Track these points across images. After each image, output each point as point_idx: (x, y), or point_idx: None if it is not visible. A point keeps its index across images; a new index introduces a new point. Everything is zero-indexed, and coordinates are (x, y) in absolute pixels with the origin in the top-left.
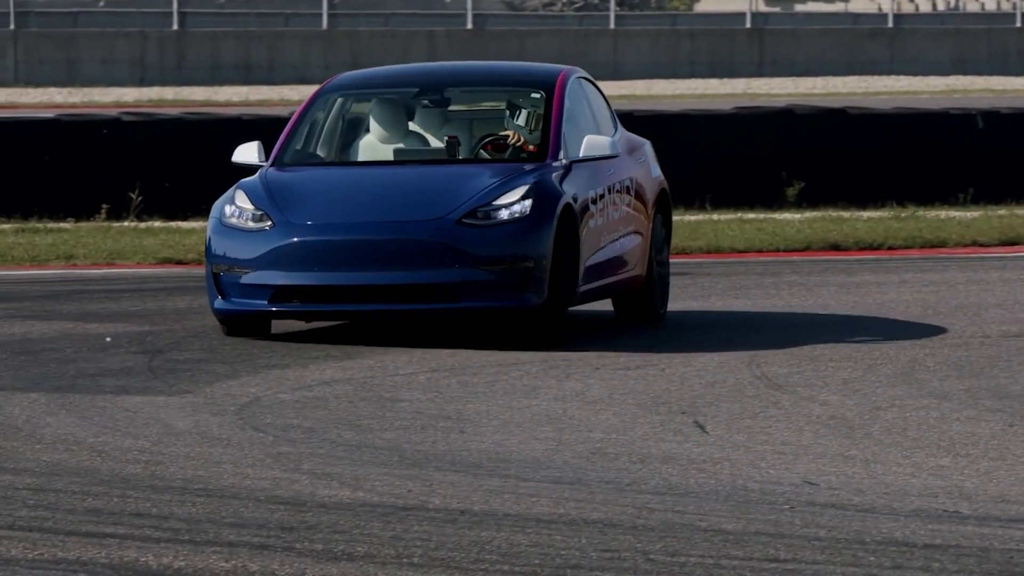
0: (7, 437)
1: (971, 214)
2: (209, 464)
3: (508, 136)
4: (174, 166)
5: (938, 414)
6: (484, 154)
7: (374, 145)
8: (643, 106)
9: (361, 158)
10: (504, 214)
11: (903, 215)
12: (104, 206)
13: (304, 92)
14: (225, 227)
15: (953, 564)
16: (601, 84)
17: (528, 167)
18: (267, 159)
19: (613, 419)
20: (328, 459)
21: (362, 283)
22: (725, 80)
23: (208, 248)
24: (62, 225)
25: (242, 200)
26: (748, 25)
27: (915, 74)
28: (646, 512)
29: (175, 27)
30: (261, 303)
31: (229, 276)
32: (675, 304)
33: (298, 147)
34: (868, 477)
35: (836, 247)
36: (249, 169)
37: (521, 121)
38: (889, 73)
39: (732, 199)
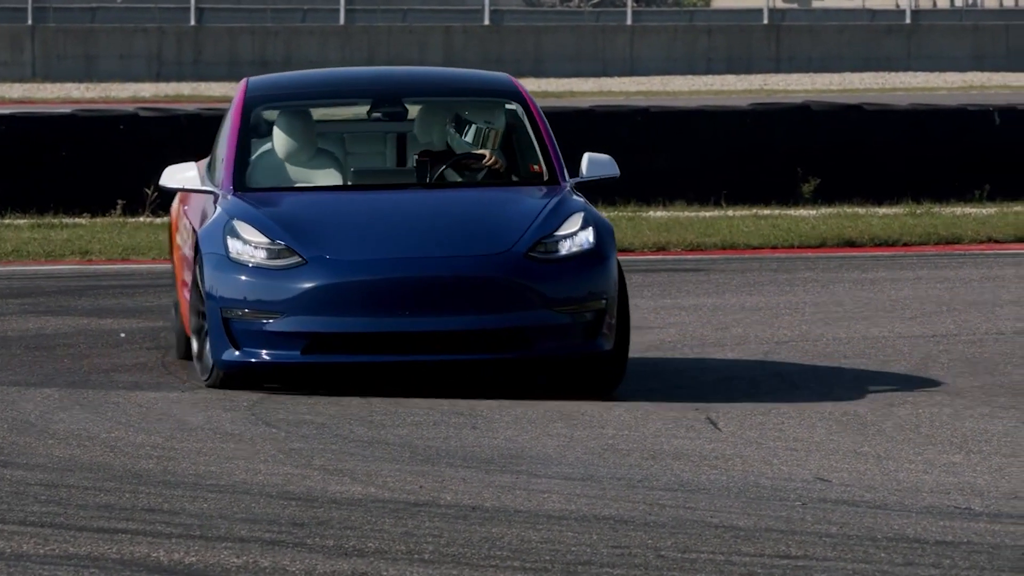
0: (20, 432)
1: (987, 211)
2: (221, 460)
3: (483, 156)
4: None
5: (951, 411)
6: (455, 175)
7: (328, 167)
8: (659, 102)
9: (322, 181)
10: (567, 246)
11: (919, 212)
12: (120, 201)
13: None
14: (235, 264)
15: (964, 561)
16: (618, 80)
17: (543, 190)
18: (209, 182)
19: (625, 415)
20: (340, 455)
21: (419, 330)
22: (742, 76)
23: (207, 289)
24: (78, 220)
25: (250, 232)
26: (765, 21)
27: (932, 70)
28: (657, 508)
29: (192, 22)
30: (292, 354)
31: (245, 323)
32: (690, 299)
33: (257, 168)
34: (880, 474)
35: (851, 244)
36: (170, 195)
37: (469, 138)
38: (906, 69)
39: (748, 195)
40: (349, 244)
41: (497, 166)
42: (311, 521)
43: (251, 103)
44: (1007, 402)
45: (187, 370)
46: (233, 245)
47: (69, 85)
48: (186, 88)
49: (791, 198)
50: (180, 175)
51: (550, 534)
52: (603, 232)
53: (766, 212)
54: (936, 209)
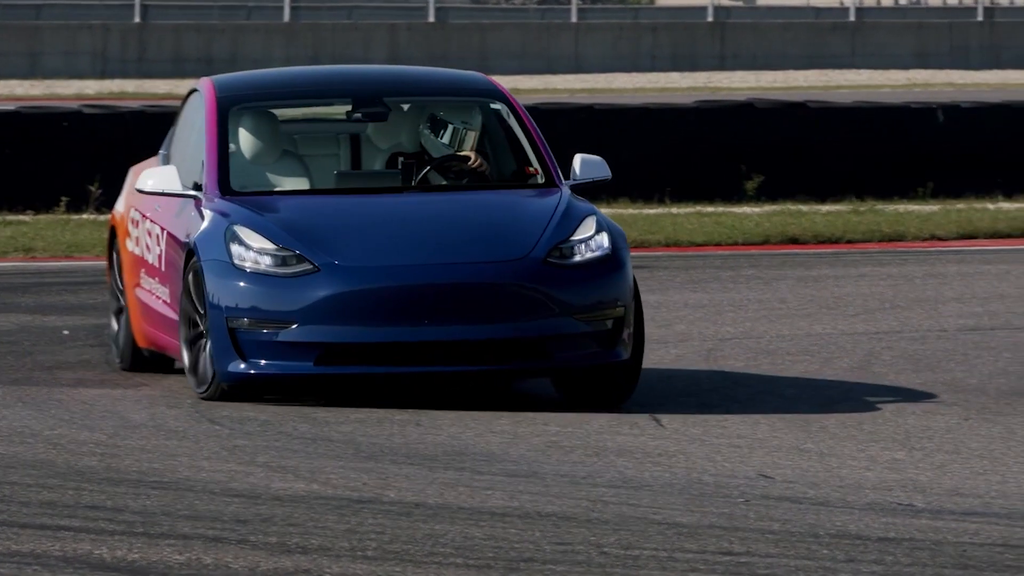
0: None
1: (930, 208)
2: (165, 457)
3: (468, 159)
4: (135, 159)
5: (894, 408)
6: (439, 178)
7: (316, 170)
8: (604, 100)
9: (292, 185)
10: (584, 251)
11: (862, 209)
12: (64, 198)
13: None
14: (240, 271)
15: (907, 557)
16: (563, 78)
17: (543, 193)
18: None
19: (568, 412)
20: (283, 452)
21: (438, 339)
22: (687, 74)
23: (209, 298)
24: (21, 217)
25: (254, 238)
26: (710, 19)
27: (876, 68)
28: (600, 505)
29: (137, 19)
30: (304, 365)
31: (252, 333)
32: None
33: (242, 171)
34: (823, 470)
35: (794, 241)
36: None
37: (446, 139)
38: (850, 67)
39: (692, 192)
40: (361, 250)
41: (482, 168)
42: (254, 518)
43: (226, 103)
44: (949, 399)
45: (135, 374)
46: (237, 251)
47: (13, 82)
48: (131, 85)
49: (735, 195)
50: (160, 178)
51: (493, 531)
52: (617, 237)
53: (710, 209)
54: (879, 206)
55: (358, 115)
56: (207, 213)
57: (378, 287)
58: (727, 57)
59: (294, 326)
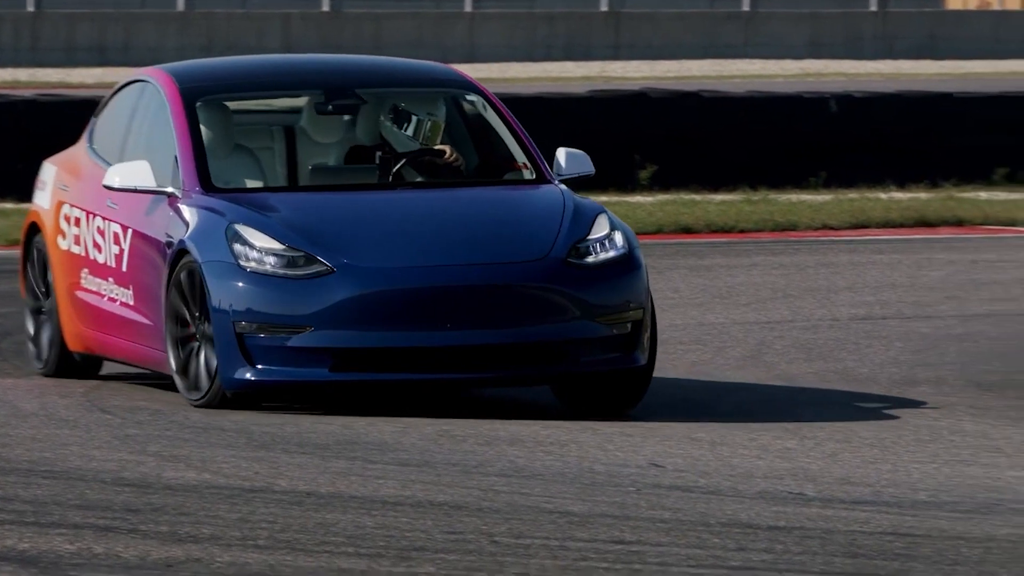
0: None
1: (822, 197)
2: (55, 446)
3: (443, 152)
4: (27, 147)
5: (785, 396)
6: (414, 173)
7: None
8: (497, 89)
9: (250, 180)
10: (601, 251)
11: (755, 198)
12: None
13: None
14: (247, 273)
15: (797, 546)
16: (457, 67)
17: (540, 189)
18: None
19: (460, 401)
20: (175, 441)
21: (460, 344)
22: (581, 63)
23: (213, 302)
24: None
25: (259, 238)
26: (605, 8)
27: (771, 58)
28: (492, 494)
29: (30, 8)
30: (319, 372)
31: (261, 338)
32: None
33: (221, 167)
34: (714, 459)
35: (687, 230)
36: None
37: (410, 131)
38: (744, 57)
39: (585, 182)
40: (375, 250)
41: (458, 163)
42: (145, 507)
43: (191, 95)
44: (841, 388)
45: (21, 356)
46: (240, 251)
47: None
48: (23, 74)
49: (628, 184)
50: (130, 175)
51: (385, 520)
52: (630, 236)
53: (603, 198)
54: (772, 196)
55: (329, 107)
56: (192, 211)
57: (399, 289)
58: (622, 47)
59: (308, 330)
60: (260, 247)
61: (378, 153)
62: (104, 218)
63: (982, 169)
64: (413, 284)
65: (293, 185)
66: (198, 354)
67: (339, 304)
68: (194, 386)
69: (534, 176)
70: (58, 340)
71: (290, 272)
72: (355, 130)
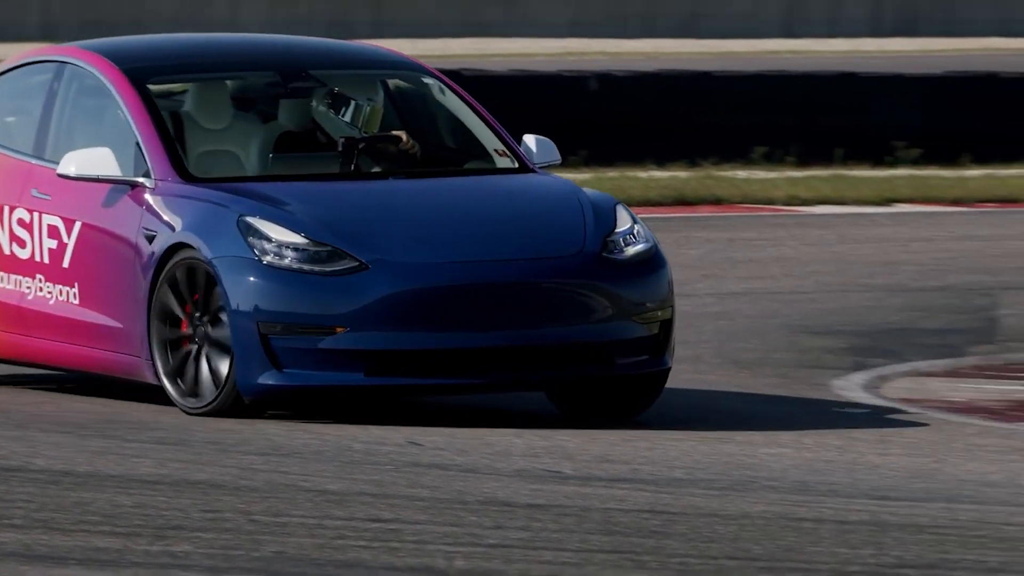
0: None
1: (582, 176)
2: None
3: (398, 138)
4: None
5: None
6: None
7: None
8: None
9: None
10: (628, 246)
11: None
12: None
13: None
14: (268, 268)
15: (554, 524)
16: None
17: (534, 178)
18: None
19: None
20: None
21: (505, 345)
22: (343, 41)
23: (228, 300)
24: None
25: (275, 231)
26: None
27: (532, 36)
28: (250, 472)
29: None
30: (354, 377)
31: (291, 339)
32: None
33: (194, 153)
34: (472, 437)
35: None
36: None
37: (348, 117)
38: (506, 35)
39: None
40: (408, 245)
41: (414, 151)
42: None
43: (138, 76)
44: None
45: None
46: (259, 246)
47: None
48: None
49: None
50: (90, 163)
51: (142, 498)
52: (647, 229)
53: None
54: None
55: (280, 90)
56: (179, 202)
57: (439, 286)
58: (384, 24)
59: (341, 331)
60: (278, 240)
61: (341, 139)
62: (30, 210)
63: (740, 148)
64: (453, 281)
65: (263, 174)
66: (197, 358)
67: (375, 303)
68: (191, 392)
69: (516, 165)
70: None
71: (317, 268)
72: (279, 116)
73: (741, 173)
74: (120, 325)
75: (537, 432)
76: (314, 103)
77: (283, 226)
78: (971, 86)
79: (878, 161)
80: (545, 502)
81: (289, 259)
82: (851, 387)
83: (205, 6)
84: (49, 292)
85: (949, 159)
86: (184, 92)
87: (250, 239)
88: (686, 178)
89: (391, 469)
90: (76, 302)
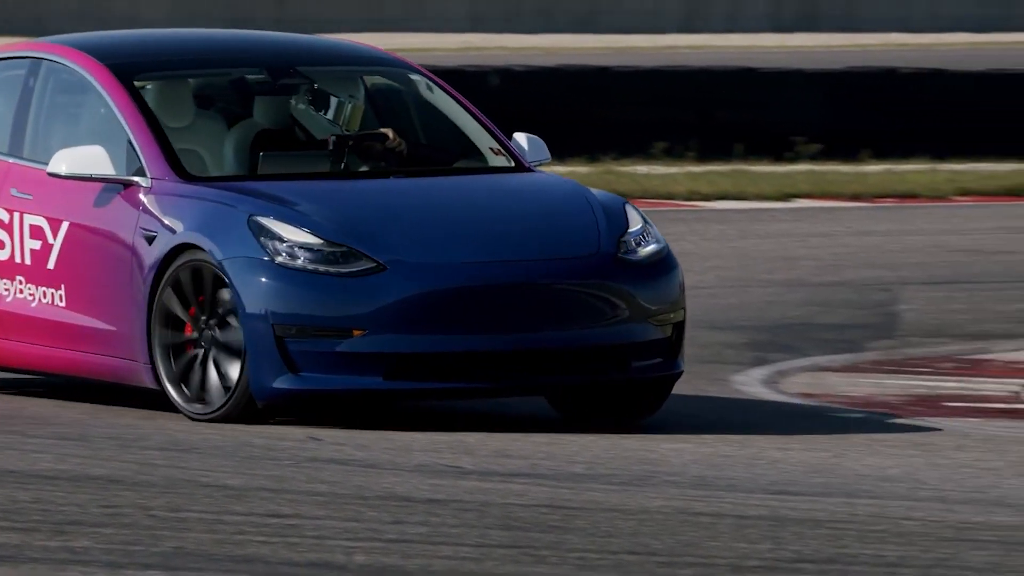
0: None
1: None
2: None
3: (385, 136)
4: None
5: None
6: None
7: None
8: None
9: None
10: (641, 246)
11: None
12: None
13: None
14: (283, 270)
15: (454, 519)
16: None
17: (535, 177)
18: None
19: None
20: None
21: (532, 348)
22: None
23: (242, 302)
24: None
25: (288, 231)
26: None
27: (433, 31)
28: (149, 468)
29: None
30: (372, 380)
31: (307, 342)
32: None
33: (186, 153)
34: (372, 433)
35: None
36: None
37: (331, 114)
38: (407, 30)
39: None
40: (424, 246)
41: (400, 148)
42: None
43: (124, 72)
44: None
45: None
46: (272, 247)
47: None
48: None
49: None
50: (81, 161)
51: (40, 494)
52: (657, 230)
53: None
54: None
55: (268, 88)
56: (180, 201)
57: (459, 288)
58: (285, 21)
59: (360, 334)
60: (291, 241)
61: (332, 137)
62: (9, 210)
63: (641, 143)
64: (474, 282)
65: (252, 173)
66: (204, 363)
67: (395, 305)
68: (198, 398)
69: (512, 163)
70: None
71: (332, 269)
72: (254, 114)
73: (641, 168)
74: (113, 328)
75: (438, 427)
76: (293, 101)
77: (296, 226)
78: (870, 82)
79: (778, 156)
80: (445, 497)
81: (302, 260)
82: (751, 382)
83: (107, 3)
84: (31, 294)
85: (848, 155)
86: (143, 88)
87: (263, 239)
88: (586, 173)
89: (291, 464)
90: (62, 304)
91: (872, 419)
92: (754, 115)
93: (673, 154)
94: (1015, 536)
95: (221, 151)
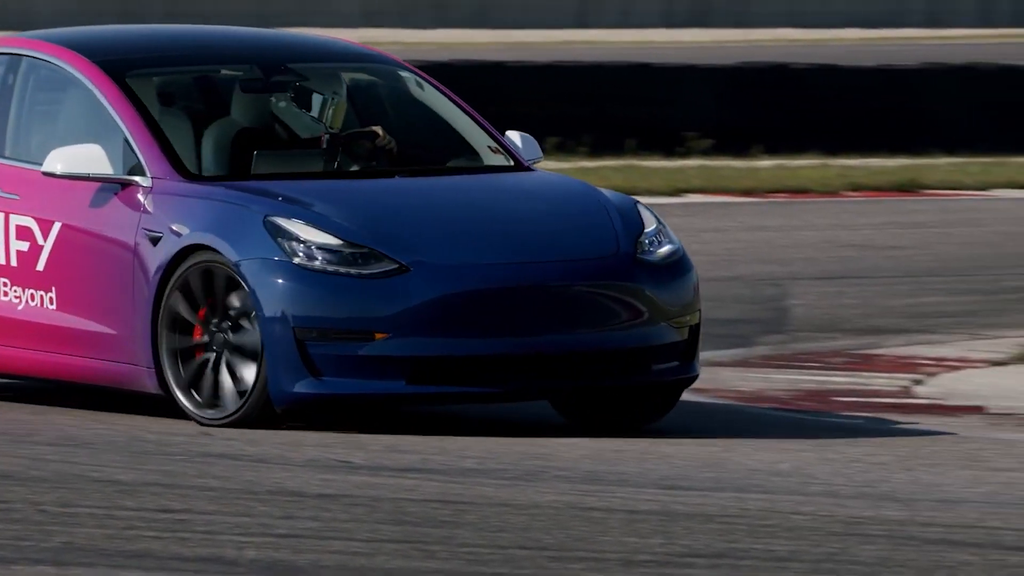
0: None
1: None
2: None
3: (375, 134)
4: None
5: None
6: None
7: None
8: None
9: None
10: (658, 247)
11: None
12: None
13: None
14: (302, 271)
15: (344, 513)
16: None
17: (537, 176)
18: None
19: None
20: None
21: (551, 351)
22: None
23: (259, 304)
24: None
25: (311, 233)
26: None
27: (326, 26)
28: (40, 463)
29: None
30: (395, 384)
31: (329, 345)
32: None
33: (189, 153)
34: (264, 428)
35: None
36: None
37: (315, 112)
38: (299, 25)
39: None
40: (447, 247)
41: (390, 146)
42: None
43: (115, 69)
44: None
45: None
46: (290, 248)
47: None
48: None
49: None
50: (80, 160)
51: None
52: (671, 231)
53: None
54: None
55: (259, 85)
56: (187, 201)
57: (484, 290)
58: (176, 17)
59: (382, 337)
60: (309, 241)
61: (325, 136)
62: (9, 212)
63: (534, 138)
64: (498, 284)
65: (235, 173)
66: (216, 367)
67: (418, 307)
68: (211, 404)
69: (511, 162)
70: None
71: (354, 271)
72: (231, 112)
73: None
74: (112, 332)
75: (329, 424)
76: (273, 99)
77: (314, 227)
78: (762, 77)
79: (670, 152)
80: (335, 492)
81: (320, 261)
82: None
83: None
84: (17, 296)
85: (740, 150)
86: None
87: (280, 240)
88: None
89: (182, 459)
90: (53, 307)
91: (763, 414)
92: (647, 110)
93: (565, 149)
94: (903, 530)
95: (198, 150)
